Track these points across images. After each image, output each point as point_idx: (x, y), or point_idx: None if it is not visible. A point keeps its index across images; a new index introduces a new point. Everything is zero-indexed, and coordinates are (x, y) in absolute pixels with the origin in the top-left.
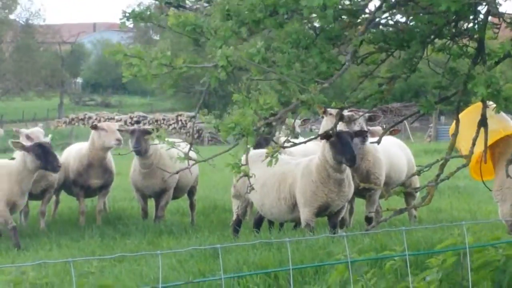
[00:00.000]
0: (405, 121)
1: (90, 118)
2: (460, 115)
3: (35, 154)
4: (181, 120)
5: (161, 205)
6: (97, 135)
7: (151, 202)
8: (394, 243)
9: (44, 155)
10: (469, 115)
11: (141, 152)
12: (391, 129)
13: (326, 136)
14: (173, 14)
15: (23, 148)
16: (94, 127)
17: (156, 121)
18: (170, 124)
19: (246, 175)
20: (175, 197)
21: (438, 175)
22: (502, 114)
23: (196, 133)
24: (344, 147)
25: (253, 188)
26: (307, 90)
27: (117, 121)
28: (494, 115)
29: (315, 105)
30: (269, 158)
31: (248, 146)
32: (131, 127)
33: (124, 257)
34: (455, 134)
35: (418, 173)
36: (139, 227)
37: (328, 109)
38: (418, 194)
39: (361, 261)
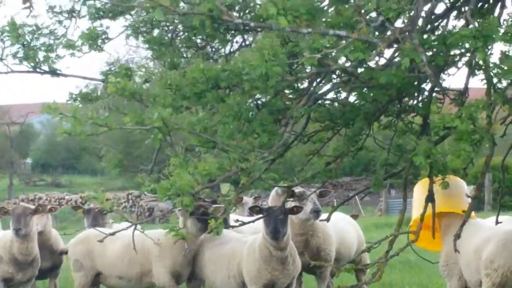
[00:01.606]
0: (356, 197)
1: (40, 198)
2: (417, 185)
3: (196, 217)
4: (131, 198)
5: None
6: None
7: None
8: None
9: (205, 219)
10: (426, 187)
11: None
12: (341, 205)
13: (256, 211)
14: (112, 81)
15: (182, 214)
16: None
17: (107, 199)
18: (122, 203)
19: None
20: None
21: (387, 251)
22: (460, 186)
23: (147, 211)
24: (270, 221)
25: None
26: (248, 159)
27: (68, 201)
28: (453, 189)
29: (255, 172)
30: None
31: (183, 208)
32: (87, 207)
33: None
34: (402, 210)
35: (368, 250)
36: None
37: (277, 189)
38: (368, 270)
39: None
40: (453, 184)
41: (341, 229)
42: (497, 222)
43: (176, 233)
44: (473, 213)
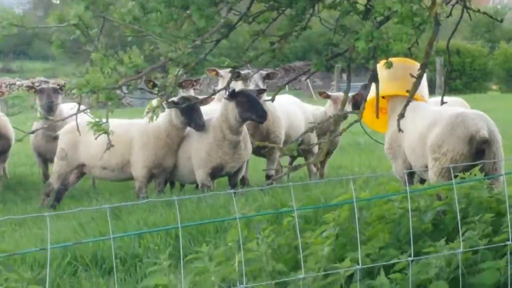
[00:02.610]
0: (308, 81)
1: None
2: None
3: (180, 109)
4: None
5: None
6: None
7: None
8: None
9: (189, 112)
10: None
11: (53, 108)
12: (286, 85)
13: (231, 95)
14: None
15: (174, 104)
16: None
17: (59, 85)
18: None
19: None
20: None
21: (331, 131)
22: (409, 68)
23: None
24: (253, 104)
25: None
26: (177, 49)
27: (19, 87)
28: (400, 71)
29: (185, 61)
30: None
31: (99, 101)
32: (39, 87)
33: (24, 221)
34: (346, 91)
35: (311, 130)
36: (40, 192)
37: (220, 71)
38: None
39: (250, 217)
40: (400, 66)
41: (290, 112)
42: (442, 102)
43: (99, 128)
44: (425, 97)
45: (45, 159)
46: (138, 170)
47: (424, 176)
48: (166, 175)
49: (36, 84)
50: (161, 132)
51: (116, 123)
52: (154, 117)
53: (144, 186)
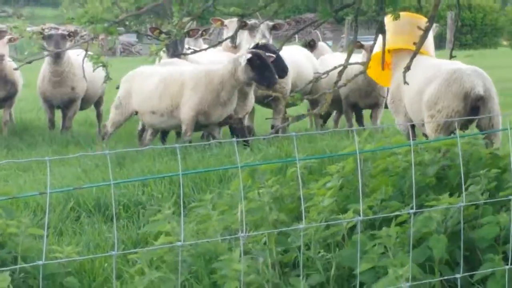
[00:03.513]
0: (318, 32)
1: (1, 29)
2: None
3: (251, 65)
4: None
5: (68, 115)
6: None
7: (58, 113)
8: (298, 151)
9: (262, 68)
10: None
11: (60, 55)
12: (293, 36)
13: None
14: None
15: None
16: None
17: (69, 32)
18: (83, 36)
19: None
20: (82, 107)
21: (335, 82)
22: (418, 24)
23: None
24: (277, 59)
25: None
26: None
27: (30, 32)
28: (408, 26)
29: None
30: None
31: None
32: (48, 32)
33: (29, 167)
34: (352, 42)
35: (316, 80)
36: (45, 138)
37: (225, 21)
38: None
39: (252, 166)
40: (408, 21)
41: (297, 62)
42: (451, 57)
43: (97, 60)
44: (431, 52)
45: (52, 104)
46: (186, 112)
47: (424, 131)
48: (211, 128)
49: (46, 30)
50: (215, 76)
51: (170, 67)
52: (157, 60)
53: (189, 129)
